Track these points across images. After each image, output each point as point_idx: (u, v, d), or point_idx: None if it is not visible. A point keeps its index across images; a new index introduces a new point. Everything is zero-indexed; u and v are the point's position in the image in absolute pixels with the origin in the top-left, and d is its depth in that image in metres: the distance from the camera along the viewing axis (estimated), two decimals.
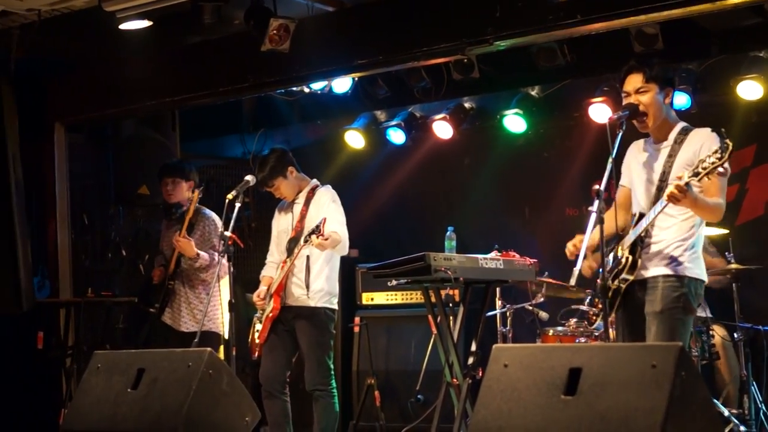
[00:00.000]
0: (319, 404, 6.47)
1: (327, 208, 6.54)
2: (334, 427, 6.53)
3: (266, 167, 6.63)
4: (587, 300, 6.85)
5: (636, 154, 5.20)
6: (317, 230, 6.10)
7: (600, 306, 5.12)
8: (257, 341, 6.62)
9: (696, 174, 4.59)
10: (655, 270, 4.97)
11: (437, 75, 8.23)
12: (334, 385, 6.54)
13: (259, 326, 6.64)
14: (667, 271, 4.94)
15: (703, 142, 4.91)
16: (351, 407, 8.07)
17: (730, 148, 4.51)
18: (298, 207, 6.67)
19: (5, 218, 7.67)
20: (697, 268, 5.00)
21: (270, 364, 6.57)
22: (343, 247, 6.50)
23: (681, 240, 4.97)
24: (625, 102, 5.04)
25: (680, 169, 4.88)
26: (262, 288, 6.71)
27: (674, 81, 5.25)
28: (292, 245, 6.54)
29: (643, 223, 4.96)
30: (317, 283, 6.50)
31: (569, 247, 5.18)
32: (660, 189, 4.96)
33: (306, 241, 6.21)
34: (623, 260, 4.98)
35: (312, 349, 6.48)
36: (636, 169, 5.16)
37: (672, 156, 4.98)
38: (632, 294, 5.01)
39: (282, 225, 6.76)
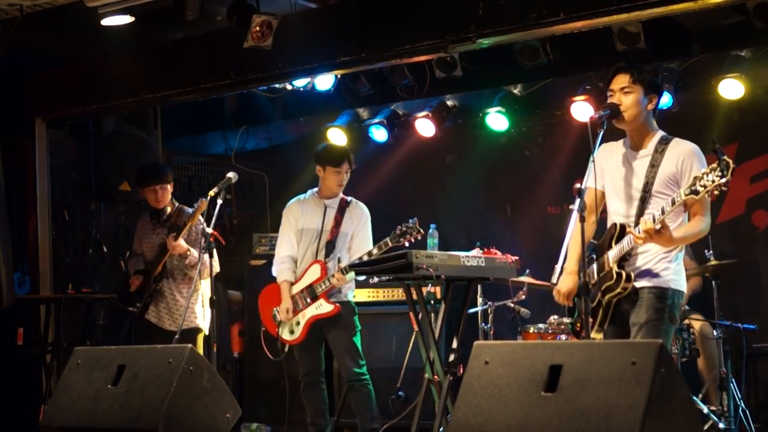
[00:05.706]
0: (361, 393, 6.70)
1: (364, 227, 6.84)
2: (376, 410, 6.77)
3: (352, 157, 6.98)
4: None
5: (609, 158, 5.12)
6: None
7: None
8: (287, 341, 6.78)
9: (695, 192, 4.53)
10: (640, 282, 4.94)
11: (420, 73, 8.24)
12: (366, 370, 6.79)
13: (290, 328, 6.76)
14: (652, 284, 4.93)
15: (685, 157, 4.87)
16: (332, 404, 8.06)
17: (732, 166, 4.42)
18: (331, 211, 6.82)
19: None
20: (680, 280, 4.99)
21: (311, 359, 6.78)
22: None
23: (665, 252, 4.94)
24: (609, 100, 5.02)
25: (663, 182, 4.88)
26: (288, 303, 6.73)
27: (661, 89, 5.18)
28: (330, 248, 6.72)
29: (626, 244, 4.92)
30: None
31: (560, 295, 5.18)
32: (644, 200, 4.93)
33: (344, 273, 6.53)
34: (614, 275, 4.94)
35: (349, 340, 6.69)
36: (612, 175, 5.09)
37: (654, 166, 4.93)
38: (619, 307, 5.00)
39: (307, 223, 6.83)
